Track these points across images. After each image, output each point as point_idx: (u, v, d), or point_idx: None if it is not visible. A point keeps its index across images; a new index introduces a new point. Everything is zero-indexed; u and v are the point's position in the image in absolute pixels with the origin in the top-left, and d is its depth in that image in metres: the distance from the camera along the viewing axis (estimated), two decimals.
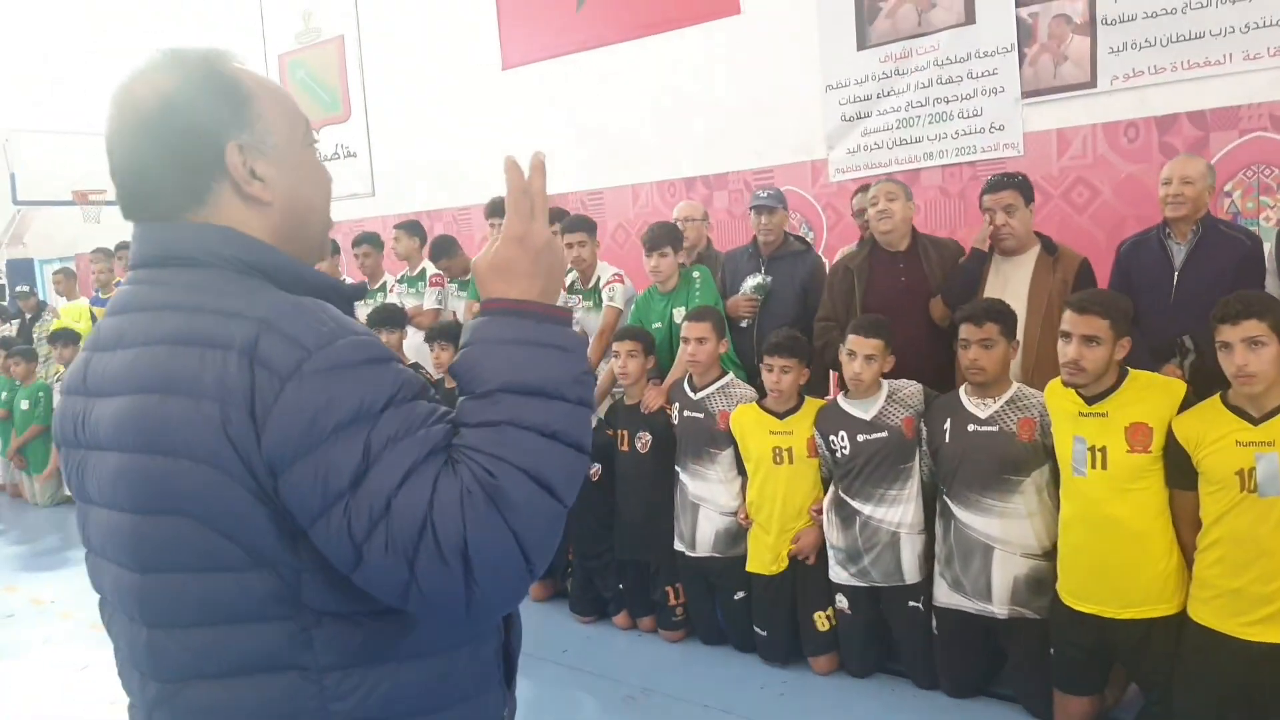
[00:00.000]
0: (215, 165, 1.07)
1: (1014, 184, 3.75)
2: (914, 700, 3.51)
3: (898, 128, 5.48)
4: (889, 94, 5.49)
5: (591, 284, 4.84)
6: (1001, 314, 3.28)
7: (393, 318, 5.09)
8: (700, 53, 6.12)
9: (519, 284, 1.08)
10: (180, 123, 1.05)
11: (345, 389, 0.96)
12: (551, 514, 1.00)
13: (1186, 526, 2.91)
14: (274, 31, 8.74)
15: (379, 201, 8.31)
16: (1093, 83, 4.96)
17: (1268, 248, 3.53)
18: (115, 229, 7.64)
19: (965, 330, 3.29)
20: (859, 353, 3.47)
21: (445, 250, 5.64)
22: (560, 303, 1.16)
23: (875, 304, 3.86)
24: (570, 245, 4.69)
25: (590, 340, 4.73)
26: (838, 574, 3.58)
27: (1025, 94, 5.12)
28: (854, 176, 5.62)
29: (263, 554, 0.99)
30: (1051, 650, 3.18)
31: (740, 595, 3.85)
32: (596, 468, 4.03)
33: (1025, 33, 5.08)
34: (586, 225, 4.80)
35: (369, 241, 6.19)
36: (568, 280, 4.96)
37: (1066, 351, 2.98)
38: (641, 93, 6.41)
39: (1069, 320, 2.99)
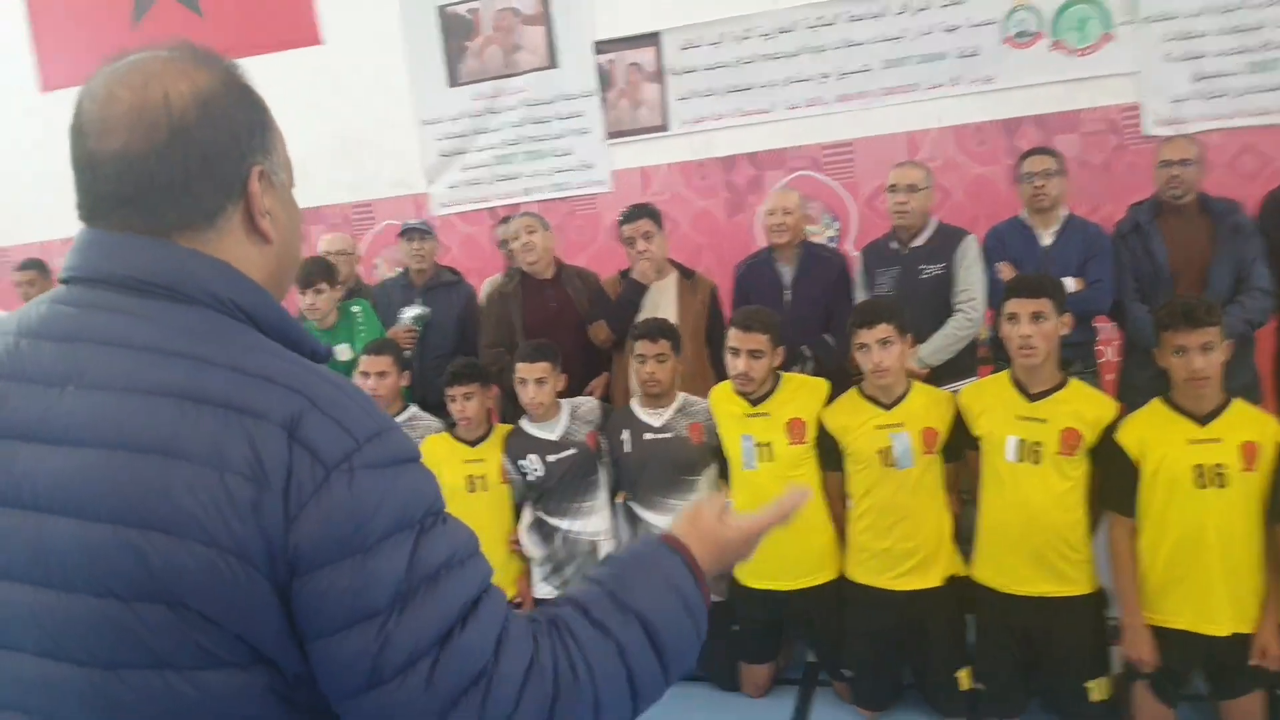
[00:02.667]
0: (236, 186, 0.95)
1: (646, 213, 4.11)
2: None
3: (496, 164, 5.71)
4: (484, 131, 5.69)
5: None
6: (670, 331, 3.60)
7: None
8: (284, 81, 5.73)
9: (713, 559, 1.09)
10: (215, 130, 0.93)
11: (392, 491, 0.87)
12: None
13: (836, 502, 3.42)
14: None
15: None
16: (665, 126, 5.57)
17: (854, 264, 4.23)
18: None
19: (641, 346, 3.55)
20: (529, 378, 3.58)
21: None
22: None
23: (533, 326, 4.04)
24: None
25: None
26: (542, 590, 3.66)
27: (610, 134, 5.59)
28: (458, 210, 5.75)
29: (263, 651, 0.85)
30: (734, 626, 3.55)
31: None
32: None
33: (606, 78, 5.56)
34: None
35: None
36: None
37: (736, 365, 3.36)
38: None
39: (736, 338, 3.37)
